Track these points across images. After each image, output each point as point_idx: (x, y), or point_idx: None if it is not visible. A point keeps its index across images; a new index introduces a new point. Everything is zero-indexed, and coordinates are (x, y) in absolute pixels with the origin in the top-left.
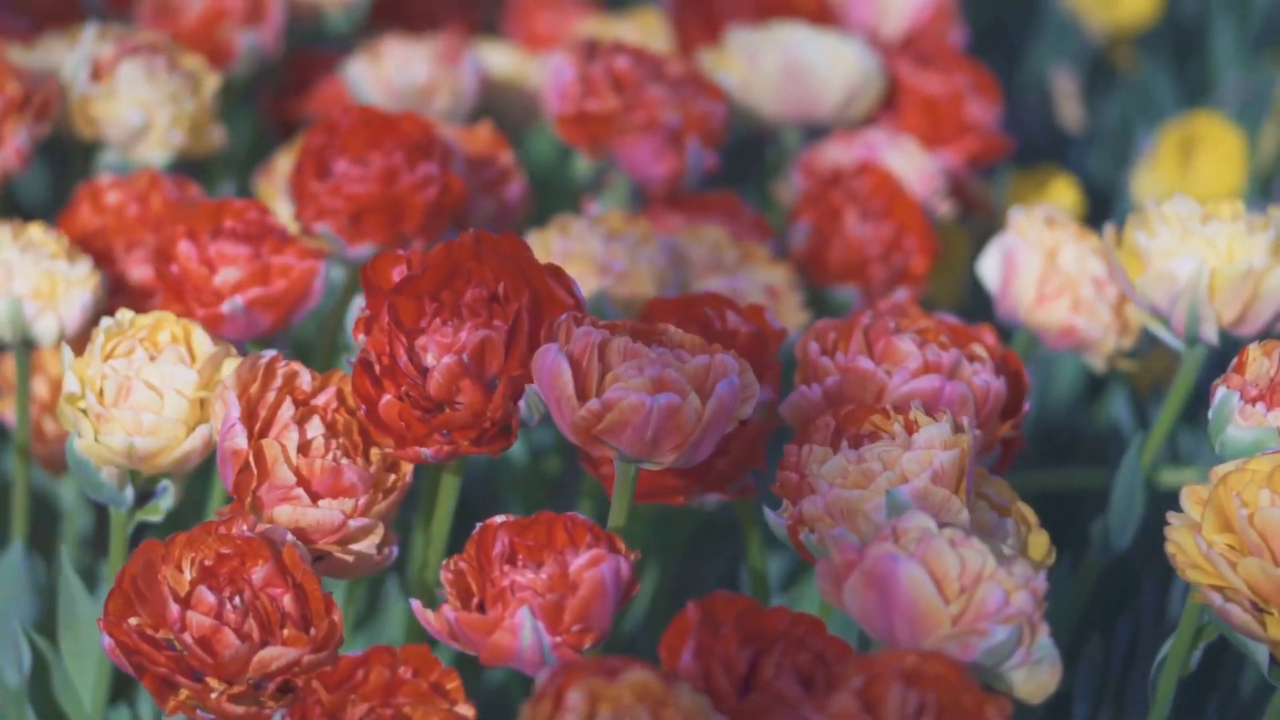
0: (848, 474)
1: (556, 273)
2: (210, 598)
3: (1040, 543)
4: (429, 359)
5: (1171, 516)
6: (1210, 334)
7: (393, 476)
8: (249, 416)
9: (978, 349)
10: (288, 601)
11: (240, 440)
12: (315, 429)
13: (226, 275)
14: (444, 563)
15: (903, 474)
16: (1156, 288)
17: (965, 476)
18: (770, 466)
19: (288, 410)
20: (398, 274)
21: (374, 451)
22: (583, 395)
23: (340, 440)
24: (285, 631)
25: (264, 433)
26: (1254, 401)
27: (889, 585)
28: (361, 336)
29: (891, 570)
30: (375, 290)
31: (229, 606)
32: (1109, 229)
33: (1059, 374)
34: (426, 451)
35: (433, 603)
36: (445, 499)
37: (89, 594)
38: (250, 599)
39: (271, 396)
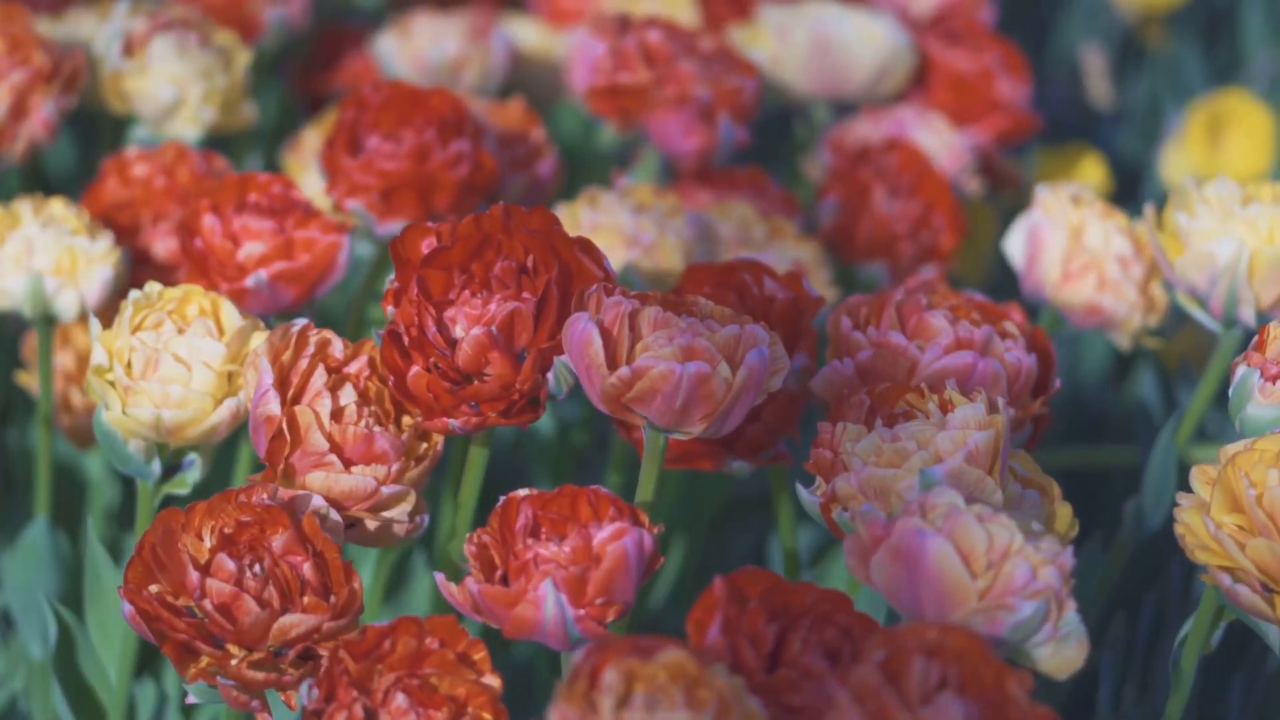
0: (882, 452)
1: (586, 246)
2: (230, 565)
3: (1064, 515)
4: (458, 331)
5: (1181, 497)
6: (1248, 316)
7: (424, 444)
8: (282, 383)
9: (1009, 326)
10: (307, 569)
11: (273, 406)
12: (348, 396)
13: (250, 249)
14: (468, 536)
15: (937, 453)
16: (1195, 269)
17: (1000, 457)
18: (804, 439)
19: (320, 378)
20: (427, 246)
21: (406, 419)
22: (613, 364)
23: (372, 408)
24: (305, 599)
25: (297, 399)
26: (1274, 379)
27: (916, 560)
28: (390, 308)
29: (919, 545)
30: (404, 262)
31: (249, 574)
32: (1149, 209)
33: (1087, 353)
34: (454, 423)
35: (457, 576)
36: (473, 471)
37: (115, 567)
38: (270, 566)
39: (304, 364)
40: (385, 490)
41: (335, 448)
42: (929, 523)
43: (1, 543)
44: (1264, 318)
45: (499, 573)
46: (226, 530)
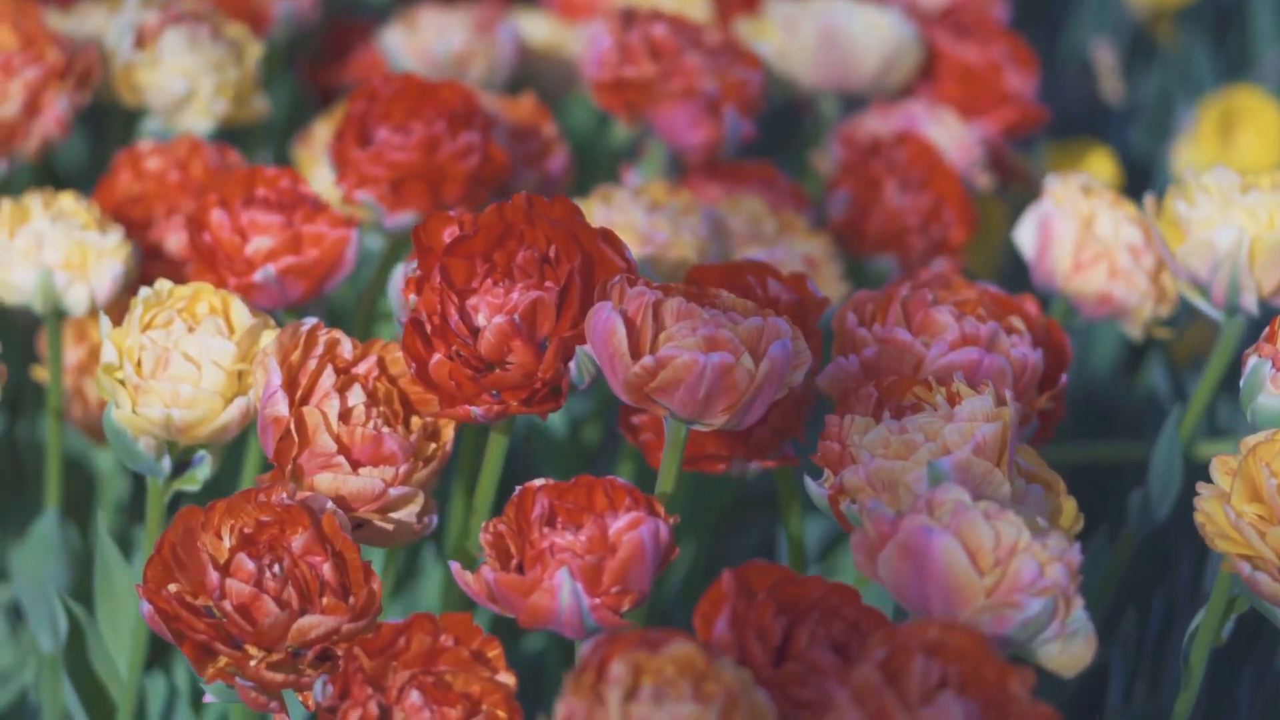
0: (889, 445)
1: (608, 236)
2: (250, 565)
3: (1069, 509)
4: (480, 319)
5: (1201, 487)
6: (1250, 304)
7: (433, 445)
8: (290, 384)
9: (1016, 321)
10: (327, 570)
11: (281, 407)
12: (356, 397)
13: (259, 244)
14: (483, 525)
15: (945, 446)
16: (1196, 257)
17: (1007, 449)
18: (810, 437)
19: (329, 378)
20: (449, 235)
21: (414, 420)
22: (636, 354)
23: (381, 409)
24: (324, 600)
25: (305, 400)
26: None
27: (923, 557)
28: (412, 296)
29: (926, 542)
30: (427, 250)
31: (268, 574)
32: (1149, 198)
33: (1097, 345)
34: (476, 410)
35: (472, 566)
36: (493, 458)
37: (125, 561)
38: (289, 567)
39: (313, 364)
40: (393, 492)
41: (343, 449)
42: (936, 520)
43: (12, 535)
44: (1266, 305)
45: (515, 561)
46: (246, 530)
